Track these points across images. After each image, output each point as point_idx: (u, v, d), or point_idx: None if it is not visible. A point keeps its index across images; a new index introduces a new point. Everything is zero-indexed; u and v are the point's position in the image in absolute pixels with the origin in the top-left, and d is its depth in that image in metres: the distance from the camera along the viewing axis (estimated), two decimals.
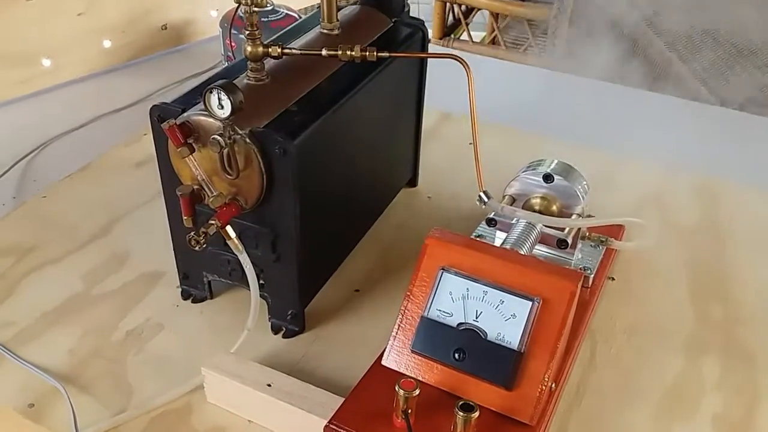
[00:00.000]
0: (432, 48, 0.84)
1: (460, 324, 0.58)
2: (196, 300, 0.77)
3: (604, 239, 0.74)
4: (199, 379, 0.65)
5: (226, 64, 1.32)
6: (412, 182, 0.95)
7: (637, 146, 1.10)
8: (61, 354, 0.70)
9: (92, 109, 1.16)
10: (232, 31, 1.26)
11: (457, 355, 0.57)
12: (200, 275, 0.75)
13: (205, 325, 0.74)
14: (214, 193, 0.63)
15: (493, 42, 2.33)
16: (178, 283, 0.77)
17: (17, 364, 0.69)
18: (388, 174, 0.90)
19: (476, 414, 0.52)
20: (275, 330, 0.73)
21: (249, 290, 0.67)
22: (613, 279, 0.81)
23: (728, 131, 1.17)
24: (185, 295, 0.77)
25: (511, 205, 0.73)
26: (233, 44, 1.26)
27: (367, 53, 0.66)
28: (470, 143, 1.04)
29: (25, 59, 1.19)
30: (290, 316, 0.72)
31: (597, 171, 0.99)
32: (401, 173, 0.92)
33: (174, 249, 0.75)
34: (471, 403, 0.53)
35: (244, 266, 0.66)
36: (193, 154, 0.63)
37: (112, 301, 0.77)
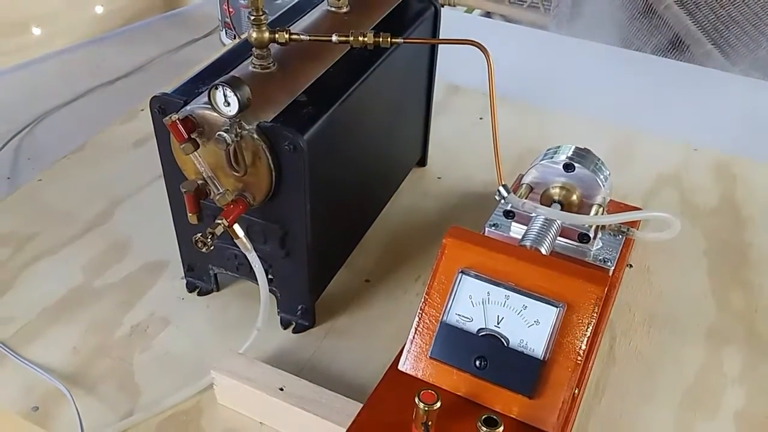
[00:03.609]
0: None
1: (480, 330, 0.56)
2: (202, 293, 0.74)
3: (625, 230, 0.71)
4: (208, 379, 0.63)
5: (224, 31, 1.27)
6: (422, 162, 0.92)
7: (651, 119, 1.07)
8: (65, 352, 0.68)
9: (85, 81, 1.12)
10: None
11: (478, 363, 0.55)
12: (206, 268, 0.72)
13: (213, 319, 0.72)
14: (221, 191, 0.60)
15: None
16: (183, 274, 0.75)
17: (20, 363, 0.67)
18: (399, 157, 0.86)
19: (500, 429, 0.50)
20: (285, 325, 0.71)
21: (257, 284, 0.65)
22: (630, 266, 0.79)
23: (753, 103, 1.13)
24: (190, 288, 0.75)
25: (529, 193, 0.70)
26: (231, 10, 1.21)
27: (381, 39, 0.62)
28: (480, 118, 1.00)
29: (13, 28, 1.14)
30: (300, 311, 0.70)
31: (612, 149, 0.96)
32: (411, 154, 0.89)
33: (178, 241, 0.72)
34: (494, 417, 0.51)
35: (252, 265, 0.63)
36: (198, 150, 0.59)
37: (115, 294, 0.74)
